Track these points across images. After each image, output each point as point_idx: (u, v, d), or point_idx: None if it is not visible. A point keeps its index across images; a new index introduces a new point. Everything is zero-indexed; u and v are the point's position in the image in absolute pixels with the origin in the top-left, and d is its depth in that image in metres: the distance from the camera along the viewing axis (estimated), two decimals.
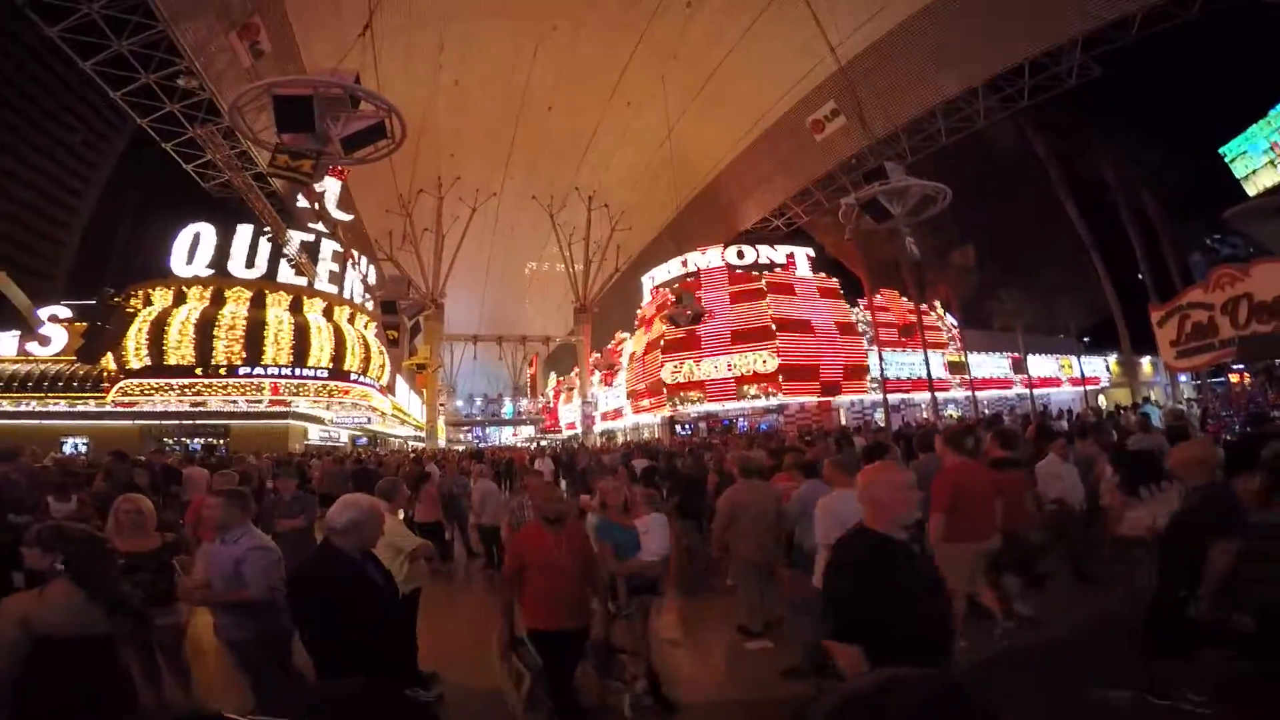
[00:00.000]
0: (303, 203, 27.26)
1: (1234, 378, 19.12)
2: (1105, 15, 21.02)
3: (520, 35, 25.27)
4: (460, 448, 35.72)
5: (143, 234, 41.00)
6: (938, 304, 33.47)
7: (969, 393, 30.03)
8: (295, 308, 27.02)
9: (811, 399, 28.16)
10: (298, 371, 25.89)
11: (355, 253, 29.41)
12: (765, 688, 4.19)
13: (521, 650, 3.40)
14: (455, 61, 26.23)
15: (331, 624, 2.59)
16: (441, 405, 38.68)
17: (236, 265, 26.38)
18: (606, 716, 3.94)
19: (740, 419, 28.63)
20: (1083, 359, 34.51)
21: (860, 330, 29.82)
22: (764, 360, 27.40)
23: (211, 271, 26.05)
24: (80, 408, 25.13)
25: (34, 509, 5.16)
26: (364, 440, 35.71)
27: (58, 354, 25.43)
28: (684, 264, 31.97)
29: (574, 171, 34.77)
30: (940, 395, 29.02)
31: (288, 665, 3.57)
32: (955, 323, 33.36)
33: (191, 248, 26.12)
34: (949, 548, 4.45)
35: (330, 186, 28.57)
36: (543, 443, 43.32)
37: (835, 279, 31.56)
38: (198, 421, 26.05)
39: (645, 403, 31.48)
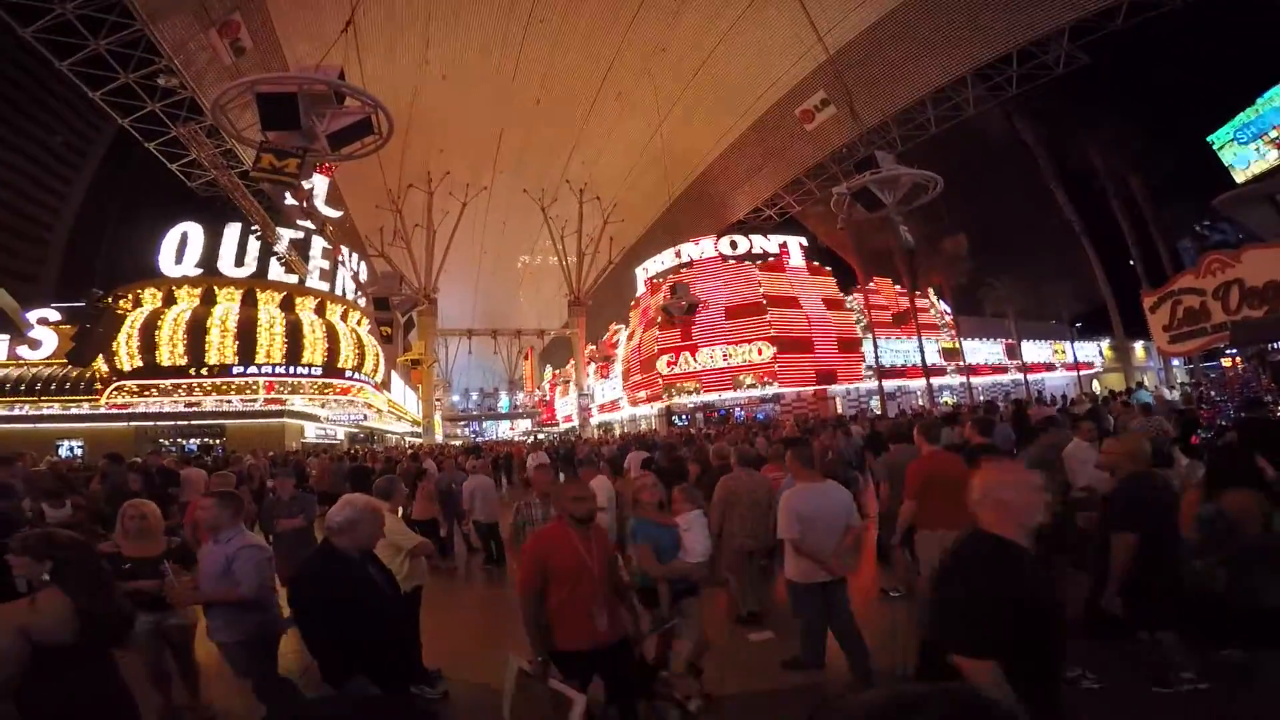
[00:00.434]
0: (291, 200, 27.00)
1: (1226, 362, 19.28)
2: (1093, 4, 21.04)
3: (507, 27, 25.05)
4: (457, 443, 35.70)
5: (130, 235, 40.67)
6: (931, 291, 33.60)
7: (964, 379, 30.25)
8: (287, 305, 26.88)
9: (808, 388, 28.27)
10: (292, 369, 25.80)
11: (345, 249, 29.23)
12: (767, 679, 4.22)
13: (556, 673, 2.91)
14: (442, 56, 25.98)
15: (333, 624, 2.59)
16: (437, 400, 38.59)
17: (226, 264, 26.21)
18: None
19: (737, 409, 28.72)
20: (1076, 344, 34.75)
21: (848, 306, 30.02)
22: (759, 350, 27.49)
23: (201, 271, 25.88)
24: (74, 410, 25.02)
25: (27, 519, 5.13)
26: (361, 437, 35.68)
27: (48, 357, 25.29)
28: (677, 255, 31.97)
29: (564, 164, 34.60)
30: (935, 382, 29.20)
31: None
32: (948, 310, 33.50)
33: (180, 247, 25.92)
34: (923, 535, 4.60)
35: (318, 183, 28.36)
36: (540, 435, 43.40)
37: (828, 267, 31.69)
38: (193, 422, 25.96)
39: (641, 394, 31.53)
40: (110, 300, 25.20)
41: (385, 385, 33.35)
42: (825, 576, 3.99)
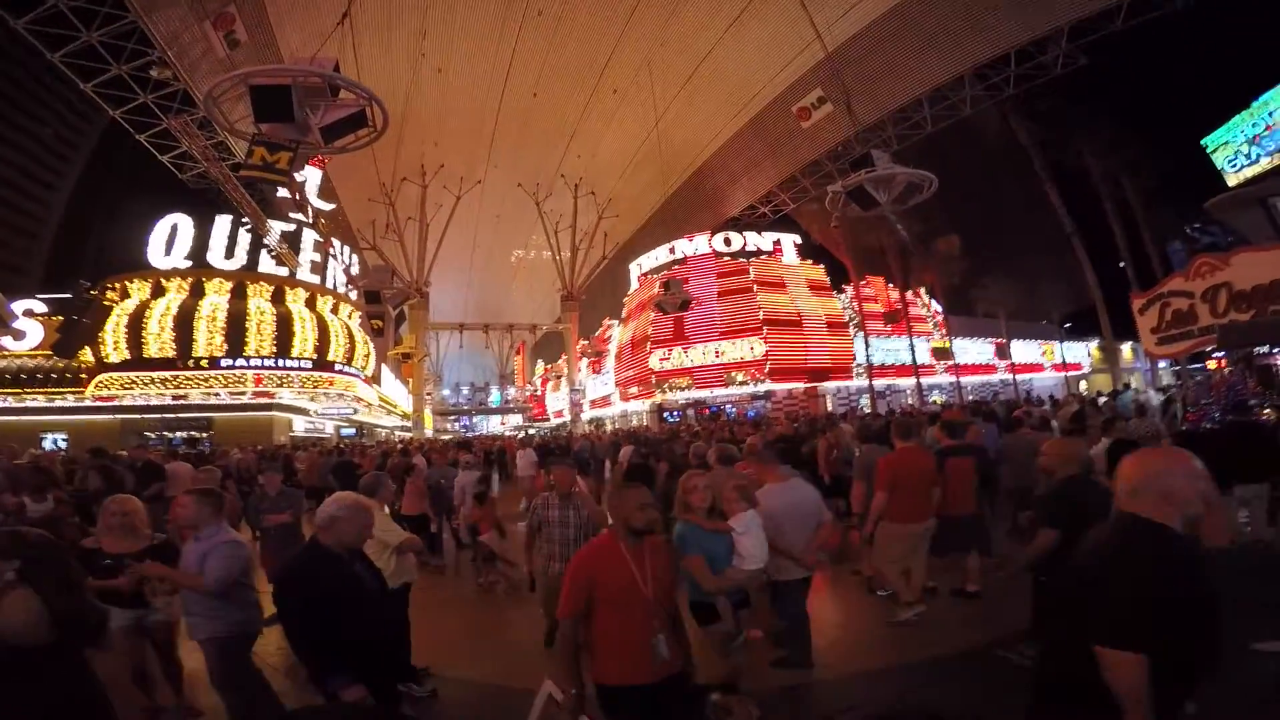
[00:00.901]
0: (283, 192, 26.81)
1: (1212, 364, 19.47)
2: (1093, 5, 21.09)
3: (504, 20, 24.89)
4: (447, 437, 35.56)
5: (119, 226, 40.21)
6: (922, 290, 33.75)
7: (953, 378, 30.43)
8: (277, 298, 26.68)
9: (799, 385, 28.36)
10: (281, 363, 25.61)
11: (337, 242, 29.02)
12: (756, 678, 4.22)
13: (594, 710, 2.58)
14: (438, 48, 25.79)
15: (319, 623, 2.56)
16: (428, 394, 38.45)
17: (216, 256, 25.97)
18: None
19: (728, 405, 28.77)
20: (1065, 345, 35.03)
21: (840, 307, 30.23)
22: (751, 346, 27.56)
23: (190, 263, 25.65)
24: (59, 403, 24.74)
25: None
26: (351, 431, 35.48)
27: (34, 349, 24.95)
28: (671, 251, 31.97)
29: (560, 159, 34.45)
30: (925, 381, 29.36)
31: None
32: (939, 309, 33.67)
33: (169, 239, 25.67)
34: (888, 526, 4.95)
35: (311, 176, 28.13)
36: (530, 431, 43.32)
37: (821, 265, 31.79)
38: (180, 415, 25.71)
39: (633, 390, 31.53)
40: (97, 292, 24.91)
41: (375, 379, 33.18)
42: (802, 572, 4.04)
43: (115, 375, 23.94)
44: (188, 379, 24.43)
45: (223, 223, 26.30)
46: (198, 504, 3.56)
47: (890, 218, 12.49)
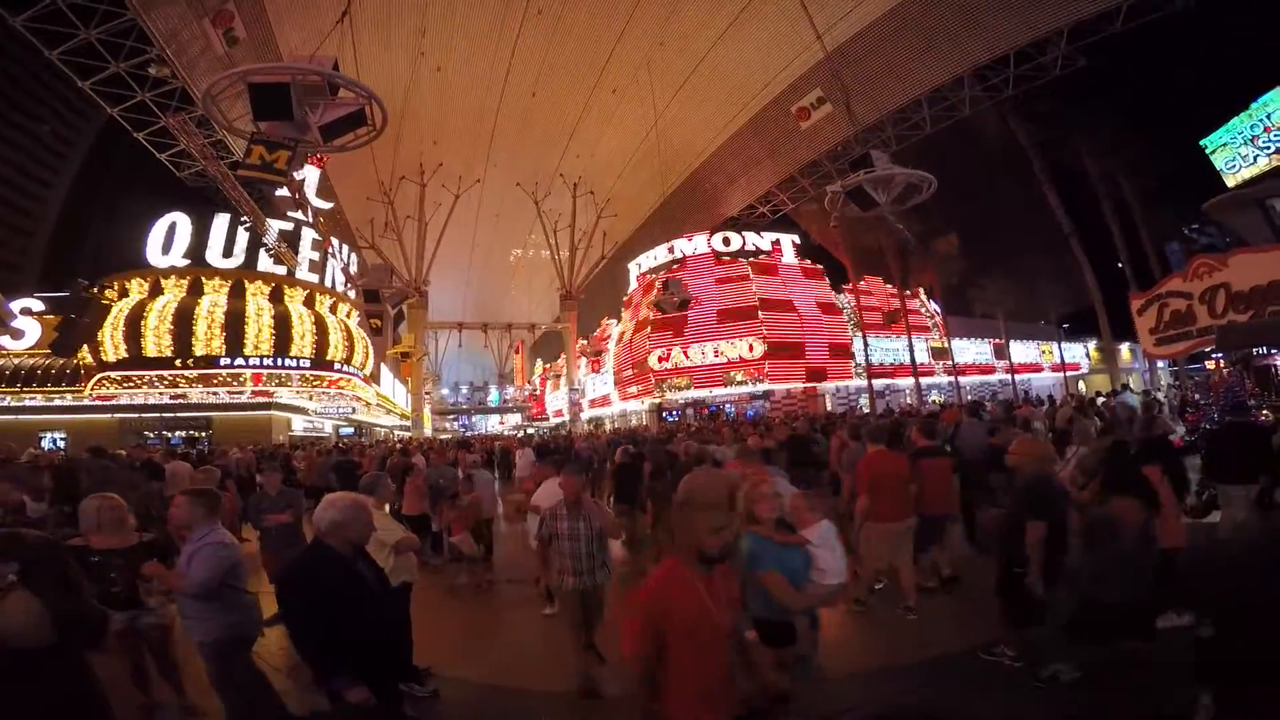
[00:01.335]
0: (282, 191, 26.78)
1: (1210, 365, 19.50)
2: (1093, 6, 21.09)
3: (504, 19, 24.87)
4: (445, 436, 35.53)
5: (116, 225, 40.16)
6: (921, 290, 33.77)
7: (952, 378, 30.46)
8: (276, 297, 26.64)
9: (797, 385, 28.37)
10: (280, 361, 25.57)
11: (335, 240, 28.98)
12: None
13: None
14: (437, 47, 25.76)
15: (322, 623, 2.57)
16: (427, 394, 38.38)
17: (214, 255, 25.93)
18: None
19: (727, 405, 28.78)
20: (1063, 345, 35.05)
21: (839, 305, 30.21)
22: (750, 346, 27.55)
23: (188, 262, 25.60)
24: (57, 402, 24.67)
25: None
26: (350, 431, 35.46)
27: (31, 347, 24.89)
28: (670, 250, 31.97)
29: (559, 158, 34.43)
30: (924, 381, 29.38)
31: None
32: (938, 309, 33.69)
33: (167, 238, 25.62)
34: (872, 526, 5.14)
35: (310, 175, 28.09)
36: (529, 430, 43.30)
37: (820, 265, 31.81)
38: (179, 414, 25.67)
39: (633, 389, 31.52)
40: (95, 290, 24.86)
41: (374, 378, 33.14)
42: None
43: (114, 374, 23.89)
44: (186, 378, 24.39)
45: (221, 221, 26.24)
46: (191, 504, 3.53)
47: (889, 218, 12.49)
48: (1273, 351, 13.19)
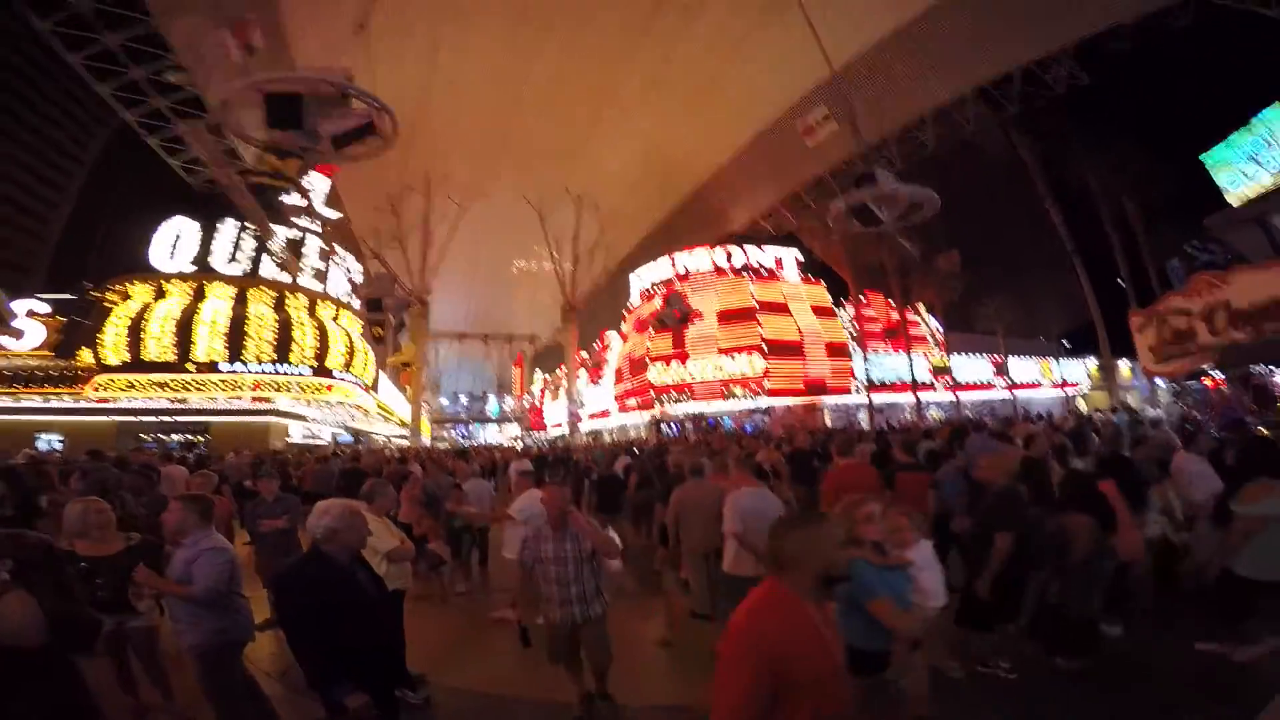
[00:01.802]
0: (291, 200, 27.01)
1: (1208, 382, 19.46)
2: (1098, 24, 21.29)
3: (516, 35, 25.15)
4: (444, 445, 35.42)
5: (124, 229, 40.23)
6: (921, 307, 33.81)
7: (952, 395, 30.43)
8: (278, 304, 26.72)
9: (797, 400, 28.32)
10: (280, 368, 25.58)
11: (339, 249, 29.12)
12: None
13: None
14: (449, 62, 26.04)
15: (318, 628, 2.56)
16: (426, 403, 38.33)
17: (219, 261, 26.08)
18: None
19: (726, 419, 28.72)
20: (1063, 362, 35.04)
21: (840, 322, 30.28)
22: (751, 362, 27.55)
23: (194, 267, 25.74)
24: (55, 403, 24.60)
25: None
26: (348, 438, 35.37)
27: (34, 349, 24.86)
28: (672, 264, 32.06)
29: (565, 173, 34.64)
30: (924, 397, 29.35)
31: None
32: (938, 326, 33.72)
33: (173, 243, 25.78)
34: None
35: (319, 184, 28.30)
36: (527, 441, 43.16)
37: (822, 282, 31.86)
38: (177, 418, 25.63)
39: (632, 402, 31.47)
40: (99, 293, 24.95)
41: (374, 386, 33.14)
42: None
43: (113, 377, 23.88)
44: (186, 382, 24.39)
45: (227, 228, 26.42)
46: (183, 510, 3.51)
47: (895, 235, 12.58)
48: (1271, 368, 13.20)
